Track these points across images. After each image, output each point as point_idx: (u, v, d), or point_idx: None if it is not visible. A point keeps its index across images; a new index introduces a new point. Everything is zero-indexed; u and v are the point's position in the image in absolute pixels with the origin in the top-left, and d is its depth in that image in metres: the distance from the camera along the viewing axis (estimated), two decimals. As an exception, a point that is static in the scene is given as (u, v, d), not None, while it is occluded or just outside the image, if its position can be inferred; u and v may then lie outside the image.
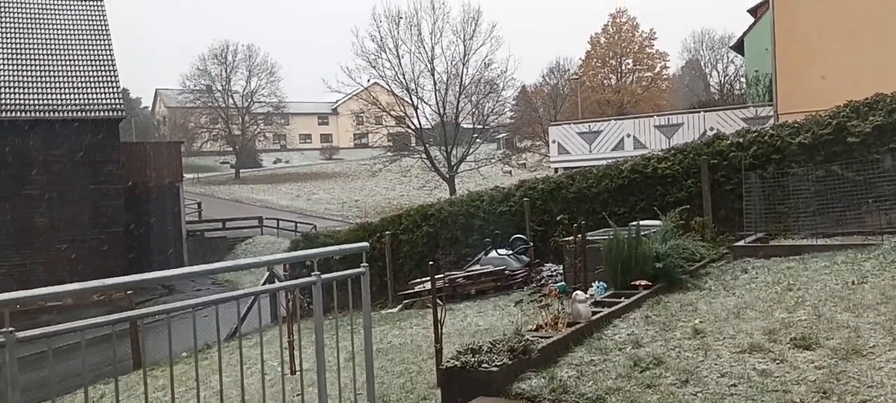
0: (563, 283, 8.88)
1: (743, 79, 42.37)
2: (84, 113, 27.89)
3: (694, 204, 10.65)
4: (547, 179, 14.02)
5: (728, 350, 4.88)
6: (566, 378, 4.59)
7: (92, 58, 29.82)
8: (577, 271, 8.18)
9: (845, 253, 7.86)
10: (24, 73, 28.27)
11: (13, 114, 27.02)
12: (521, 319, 7.09)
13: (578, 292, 6.27)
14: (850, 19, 16.28)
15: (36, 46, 29.36)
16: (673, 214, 9.14)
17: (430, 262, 6.47)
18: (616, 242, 7.60)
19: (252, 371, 7.61)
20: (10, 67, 28.24)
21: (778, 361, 4.54)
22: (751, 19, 30.91)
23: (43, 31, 29.99)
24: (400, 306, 12.15)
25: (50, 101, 27.79)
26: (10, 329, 2.61)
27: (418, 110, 44.84)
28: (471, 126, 46.34)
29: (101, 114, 28.25)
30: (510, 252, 12.07)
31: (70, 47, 29.84)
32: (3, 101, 27.14)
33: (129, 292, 10.92)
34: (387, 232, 14.59)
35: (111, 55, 30.15)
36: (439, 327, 5.35)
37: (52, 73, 28.68)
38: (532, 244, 12.25)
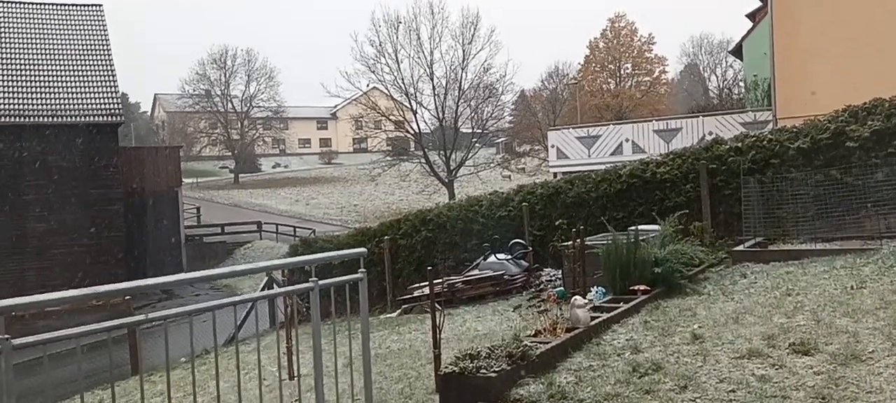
0: (561, 288, 8.86)
1: (741, 84, 42.37)
2: (83, 117, 27.87)
3: (693, 209, 10.65)
4: (546, 184, 14.00)
5: (727, 356, 4.88)
6: (565, 384, 4.58)
7: (91, 62, 29.82)
8: (575, 276, 8.18)
9: (844, 258, 7.84)
10: (23, 78, 28.24)
11: (12, 118, 26.97)
12: (519, 324, 7.09)
13: (577, 297, 6.28)
14: (848, 24, 16.30)
15: (35, 51, 29.35)
16: (672, 219, 9.13)
17: (429, 267, 6.46)
18: (615, 247, 7.59)
19: (250, 376, 7.59)
20: (9, 72, 28.20)
21: (777, 366, 4.53)
22: (749, 24, 30.93)
23: (42, 36, 29.99)
24: (399, 311, 12.13)
25: (49, 106, 27.76)
26: (6, 336, 2.61)
27: (417, 115, 44.95)
28: (470, 130, 46.41)
29: (100, 118, 28.21)
30: (509, 257, 12.04)
31: (69, 52, 29.86)
32: (1, 106, 27.09)
33: (126, 298, 10.91)
34: (386, 237, 14.58)
35: (110, 60, 30.17)
36: (438, 332, 5.34)
37: (51, 78, 28.65)
38: (531, 249, 12.23)
